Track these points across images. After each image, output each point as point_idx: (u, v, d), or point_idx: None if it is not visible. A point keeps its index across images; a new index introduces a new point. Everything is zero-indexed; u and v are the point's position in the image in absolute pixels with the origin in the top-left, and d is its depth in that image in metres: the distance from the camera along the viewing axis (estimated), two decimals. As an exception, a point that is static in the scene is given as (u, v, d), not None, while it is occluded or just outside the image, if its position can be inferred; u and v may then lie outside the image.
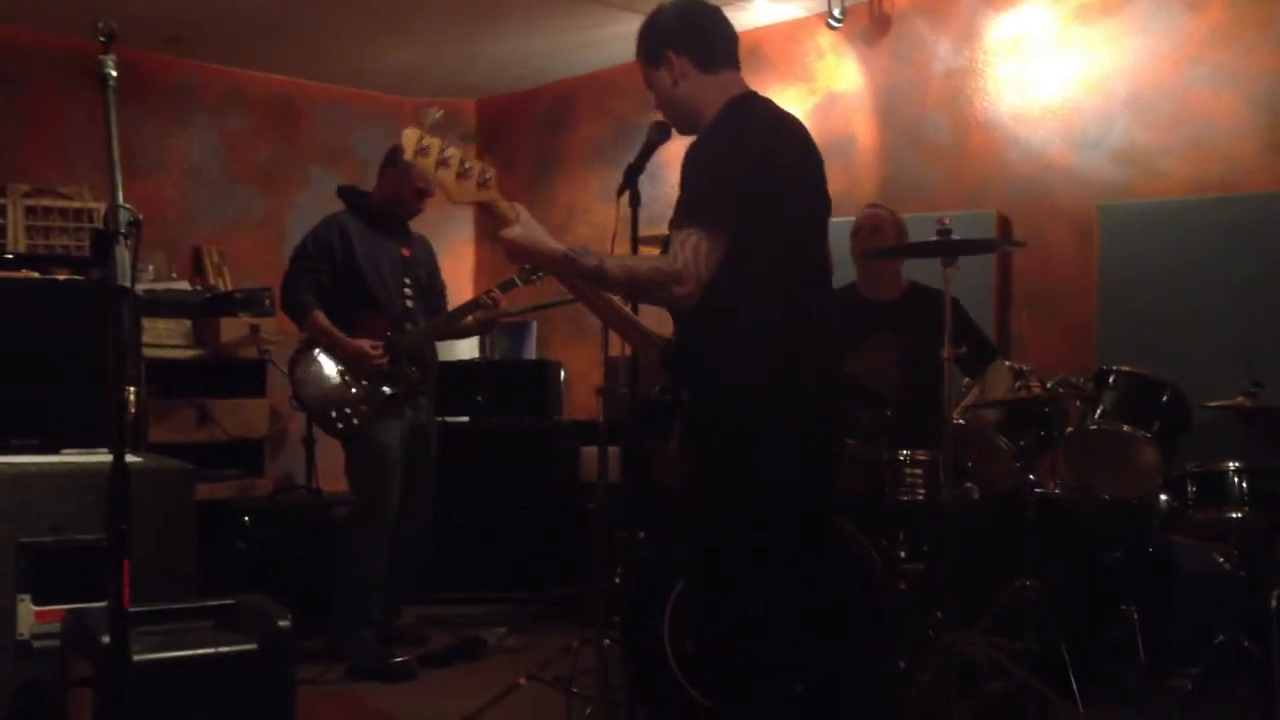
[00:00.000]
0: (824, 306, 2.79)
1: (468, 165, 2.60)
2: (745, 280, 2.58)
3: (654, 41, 2.80)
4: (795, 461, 2.64)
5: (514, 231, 2.57)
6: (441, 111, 2.77)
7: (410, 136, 2.58)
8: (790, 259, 2.67)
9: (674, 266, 2.49)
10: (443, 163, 2.59)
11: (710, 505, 2.69)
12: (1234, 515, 3.75)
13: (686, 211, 2.56)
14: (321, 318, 4.51)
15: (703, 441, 2.72)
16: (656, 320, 2.92)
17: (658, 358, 2.87)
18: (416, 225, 4.83)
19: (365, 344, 4.48)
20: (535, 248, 2.59)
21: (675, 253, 2.50)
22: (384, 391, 4.53)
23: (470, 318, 4.69)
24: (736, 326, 2.63)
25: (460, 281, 7.14)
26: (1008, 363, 4.25)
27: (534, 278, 4.63)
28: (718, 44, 2.79)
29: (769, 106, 2.77)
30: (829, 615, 2.79)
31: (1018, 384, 4.05)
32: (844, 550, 3.43)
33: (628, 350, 3.14)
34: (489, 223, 2.80)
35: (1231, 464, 3.78)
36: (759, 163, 2.60)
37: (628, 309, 2.90)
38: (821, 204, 2.80)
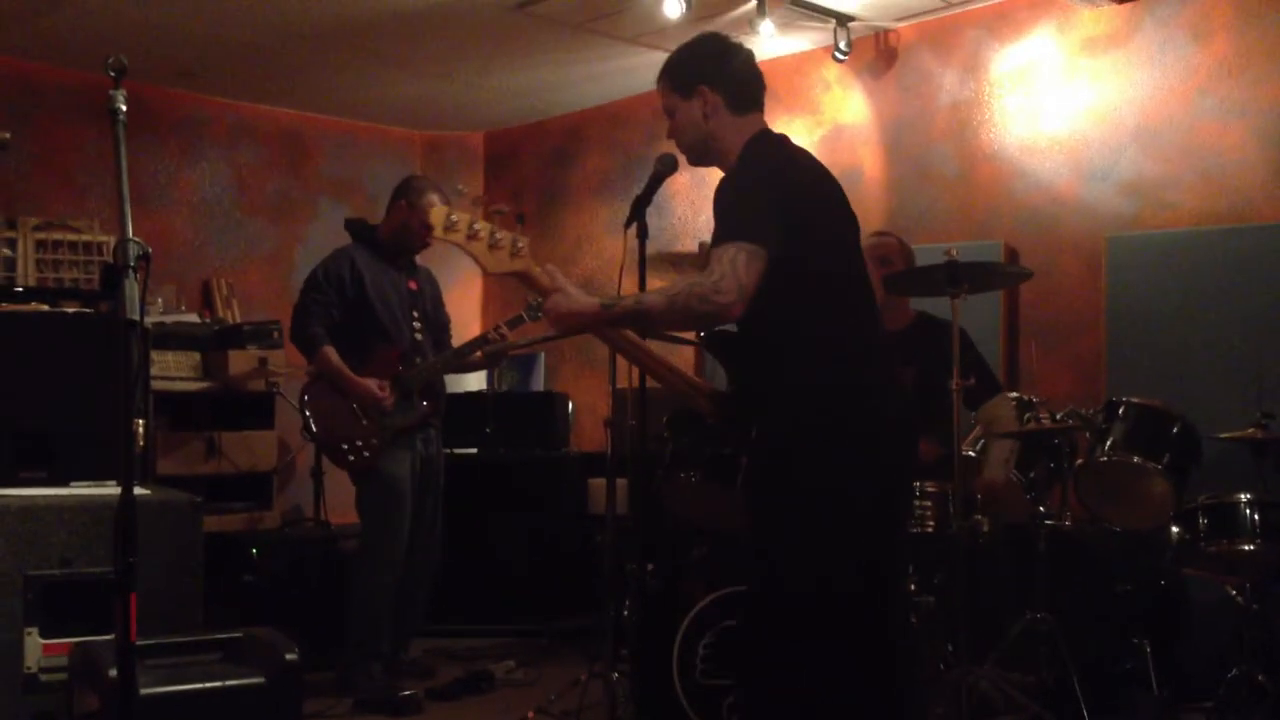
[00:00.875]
0: (873, 323, 2.82)
1: (498, 236, 2.60)
2: (796, 305, 2.60)
3: (689, 73, 2.82)
4: (866, 483, 2.64)
5: (549, 303, 2.61)
6: (467, 188, 2.78)
7: (439, 214, 2.59)
8: (835, 276, 2.71)
9: (711, 278, 2.49)
10: (473, 236, 2.59)
11: (779, 533, 2.65)
12: (1246, 548, 3.71)
13: (724, 235, 2.57)
14: (332, 354, 4.53)
15: (771, 472, 2.69)
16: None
17: (709, 407, 2.87)
18: (425, 257, 4.85)
19: (373, 384, 4.50)
20: (573, 311, 2.61)
21: (711, 267, 2.50)
22: (394, 424, 4.53)
23: (478, 353, 4.70)
24: (793, 352, 2.65)
25: (468, 313, 7.15)
26: (1015, 394, 4.23)
27: (540, 315, 4.64)
28: (751, 87, 2.83)
29: (789, 141, 2.85)
30: (884, 651, 2.73)
31: (1027, 416, 4.03)
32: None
33: (635, 382, 3.14)
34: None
35: (1243, 496, 3.75)
36: (793, 189, 2.65)
37: (670, 360, 2.90)
38: (851, 225, 2.85)
